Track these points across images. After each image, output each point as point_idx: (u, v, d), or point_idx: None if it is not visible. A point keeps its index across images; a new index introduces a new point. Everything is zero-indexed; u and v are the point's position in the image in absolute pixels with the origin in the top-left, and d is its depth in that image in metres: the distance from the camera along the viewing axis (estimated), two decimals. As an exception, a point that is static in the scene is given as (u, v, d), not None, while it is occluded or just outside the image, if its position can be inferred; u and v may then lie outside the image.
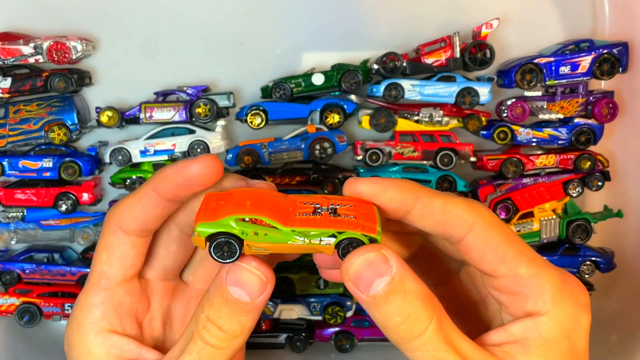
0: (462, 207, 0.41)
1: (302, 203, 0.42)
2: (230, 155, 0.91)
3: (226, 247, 0.40)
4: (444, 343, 0.38)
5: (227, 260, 0.40)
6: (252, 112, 0.90)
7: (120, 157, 0.90)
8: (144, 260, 0.45)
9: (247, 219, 0.39)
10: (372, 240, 0.40)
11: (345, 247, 0.40)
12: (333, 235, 0.40)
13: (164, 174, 0.43)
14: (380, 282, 0.38)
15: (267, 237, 0.40)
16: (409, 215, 0.42)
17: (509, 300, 0.42)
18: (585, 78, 0.90)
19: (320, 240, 0.40)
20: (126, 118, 0.90)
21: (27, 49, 0.86)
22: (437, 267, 0.49)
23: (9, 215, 0.92)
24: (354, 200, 0.42)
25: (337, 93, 0.91)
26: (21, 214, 0.92)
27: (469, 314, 0.47)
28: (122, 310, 0.45)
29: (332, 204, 0.42)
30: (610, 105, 0.91)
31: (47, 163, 0.90)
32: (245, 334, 0.42)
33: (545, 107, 0.92)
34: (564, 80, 0.90)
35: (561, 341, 0.41)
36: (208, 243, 0.40)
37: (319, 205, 0.41)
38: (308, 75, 0.90)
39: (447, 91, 0.90)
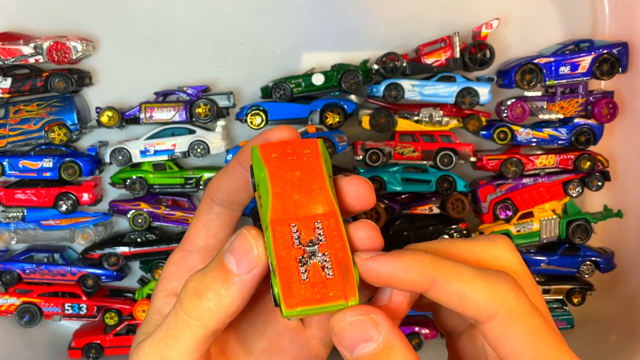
0: (483, 295, 0.36)
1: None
2: (230, 155, 0.91)
3: None
4: None
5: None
6: (252, 112, 0.90)
7: (120, 157, 0.90)
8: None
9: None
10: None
11: None
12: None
13: (245, 146, 0.43)
14: (364, 347, 0.36)
15: None
16: (426, 294, 0.38)
17: None
18: (585, 78, 0.90)
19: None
20: (126, 118, 0.90)
21: (27, 49, 0.86)
22: (454, 317, 0.45)
23: (9, 215, 0.92)
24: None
25: (337, 93, 0.91)
26: (21, 214, 0.92)
27: None
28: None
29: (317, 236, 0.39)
30: (610, 105, 0.91)
31: (47, 163, 0.90)
32: (218, 314, 0.40)
33: (545, 107, 0.92)
34: (563, 81, 0.90)
35: None
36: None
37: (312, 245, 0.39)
38: (308, 75, 0.90)
39: (447, 91, 0.90)
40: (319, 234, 0.38)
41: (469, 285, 0.36)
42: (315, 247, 0.38)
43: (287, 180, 0.39)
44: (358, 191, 0.40)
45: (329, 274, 0.37)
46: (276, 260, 0.38)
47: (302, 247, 0.38)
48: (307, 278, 0.37)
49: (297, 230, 0.38)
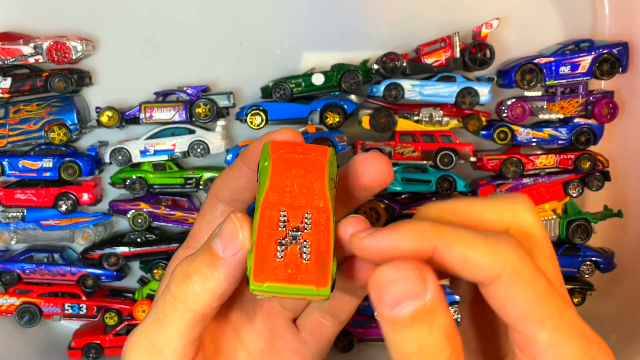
0: (486, 257, 0.35)
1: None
2: (230, 155, 0.91)
3: None
4: None
5: None
6: (252, 112, 0.90)
7: (120, 157, 0.90)
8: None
9: None
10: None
11: None
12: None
13: (250, 145, 0.44)
14: (409, 304, 0.34)
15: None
16: (429, 262, 0.37)
17: (522, 357, 0.37)
18: (585, 78, 0.90)
19: None
20: (126, 118, 0.90)
21: (27, 49, 0.86)
22: (460, 282, 0.44)
23: (9, 215, 0.92)
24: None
25: (337, 93, 0.91)
26: (21, 214, 0.92)
27: (484, 343, 0.43)
28: None
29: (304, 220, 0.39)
30: (610, 105, 0.91)
31: (47, 163, 0.90)
32: (204, 297, 0.40)
33: (545, 107, 0.92)
34: (564, 80, 0.90)
35: None
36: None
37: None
38: (308, 75, 0.90)
39: (447, 91, 0.90)
40: (306, 223, 0.39)
41: (471, 249, 0.35)
42: (299, 233, 0.38)
43: (288, 173, 0.40)
44: (376, 166, 0.40)
45: (305, 259, 0.38)
46: (257, 237, 0.38)
47: (286, 231, 0.38)
48: (282, 258, 0.37)
49: (285, 216, 0.39)
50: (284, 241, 0.38)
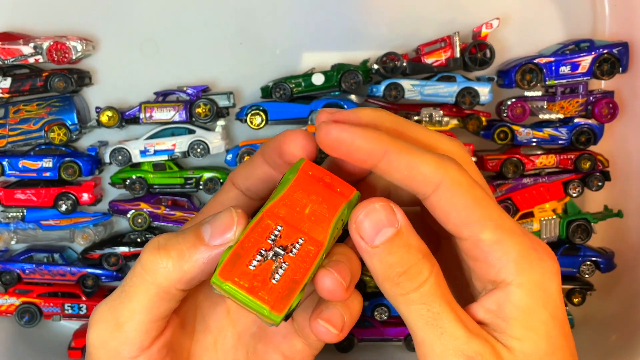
0: (430, 165, 0.39)
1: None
2: (230, 155, 0.91)
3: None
4: (440, 297, 0.38)
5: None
6: (252, 112, 0.90)
7: (120, 157, 0.90)
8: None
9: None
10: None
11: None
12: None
13: (272, 140, 0.45)
14: (386, 232, 0.38)
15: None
16: (376, 167, 0.41)
17: (475, 267, 0.41)
18: (585, 78, 0.90)
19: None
20: (126, 118, 0.90)
21: (27, 49, 0.86)
22: (427, 232, 0.48)
23: (9, 215, 0.92)
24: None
25: (337, 93, 0.91)
26: (21, 214, 0.92)
27: (454, 287, 0.47)
28: None
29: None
30: (611, 105, 0.91)
31: (47, 163, 0.90)
32: (173, 275, 0.40)
33: (545, 107, 0.92)
34: (564, 80, 0.90)
35: (539, 311, 0.39)
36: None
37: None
38: (308, 75, 0.90)
39: (447, 91, 0.90)
40: (295, 247, 0.39)
41: (417, 158, 0.40)
42: (283, 253, 0.38)
43: (306, 195, 0.40)
44: (326, 285, 0.40)
45: (274, 279, 0.37)
46: (242, 238, 0.38)
47: (272, 245, 0.38)
48: (254, 267, 0.38)
49: (279, 231, 0.39)
50: (265, 253, 0.38)
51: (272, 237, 0.39)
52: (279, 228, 0.39)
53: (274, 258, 0.38)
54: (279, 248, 0.38)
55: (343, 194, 0.41)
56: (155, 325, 0.41)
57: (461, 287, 0.45)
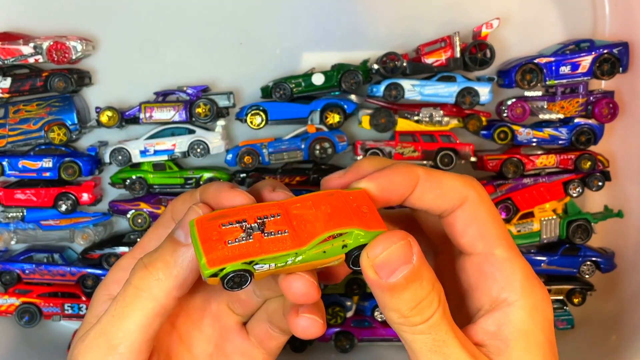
0: (458, 181, 0.43)
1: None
2: (230, 155, 0.91)
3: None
4: (446, 325, 0.39)
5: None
6: (252, 112, 0.90)
7: (120, 157, 0.90)
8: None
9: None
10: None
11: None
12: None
13: (211, 188, 0.44)
14: (403, 270, 0.39)
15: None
16: (410, 196, 0.43)
17: (479, 283, 0.42)
18: (585, 78, 0.90)
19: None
20: (126, 118, 0.89)
21: (27, 49, 0.86)
22: (424, 237, 0.50)
23: (9, 215, 0.92)
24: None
25: (337, 93, 0.91)
26: (21, 214, 0.92)
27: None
28: None
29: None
30: (611, 105, 0.91)
31: (47, 163, 0.90)
32: (167, 284, 0.41)
33: (545, 107, 0.92)
34: (564, 80, 0.90)
35: (537, 335, 0.41)
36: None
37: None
38: (308, 75, 0.90)
39: (447, 91, 0.90)
40: (272, 234, 0.40)
41: (445, 175, 0.43)
42: (258, 231, 0.39)
43: (321, 205, 0.41)
44: (298, 288, 0.41)
45: (229, 242, 0.39)
46: (240, 208, 0.41)
47: (255, 223, 0.40)
48: (224, 228, 0.39)
49: (273, 218, 0.40)
50: (242, 224, 0.40)
51: (263, 218, 0.40)
52: (276, 216, 0.40)
53: (247, 230, 0.39)
54: (257, 225, 0.40)
55: (367, 223, 0.40)
56: (147, 346, 0.42)
57: (451, 301, 0.45)
